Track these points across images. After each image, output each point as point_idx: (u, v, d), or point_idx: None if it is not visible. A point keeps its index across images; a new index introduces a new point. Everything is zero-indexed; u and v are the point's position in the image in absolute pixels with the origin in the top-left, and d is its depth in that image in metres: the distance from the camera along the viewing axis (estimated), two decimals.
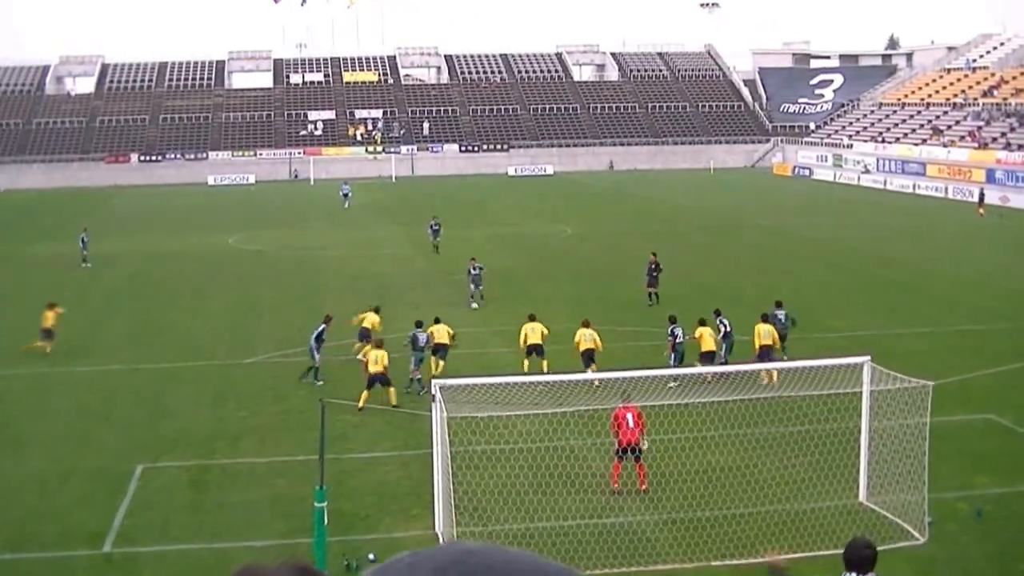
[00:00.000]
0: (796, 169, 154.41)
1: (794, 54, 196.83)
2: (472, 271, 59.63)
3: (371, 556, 27.00)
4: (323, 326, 44.03)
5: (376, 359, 38.91)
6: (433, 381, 29.33)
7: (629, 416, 30.77)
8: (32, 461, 36.18)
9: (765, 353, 40.88)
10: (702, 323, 42.13)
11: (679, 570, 26.00)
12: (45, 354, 49.65)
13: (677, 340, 42.73)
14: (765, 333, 41.60)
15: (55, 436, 38.87)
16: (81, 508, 31.74)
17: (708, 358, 41.15)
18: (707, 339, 41.38)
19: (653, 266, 58.85)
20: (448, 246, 77.15)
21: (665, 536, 27.92)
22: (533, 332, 43.67)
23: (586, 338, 42.81)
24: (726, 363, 42.44)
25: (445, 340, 42.88)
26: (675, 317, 43.98)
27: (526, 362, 43.16)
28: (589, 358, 42.18)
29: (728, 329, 43.59)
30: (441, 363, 41.81)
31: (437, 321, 44.01)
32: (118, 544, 29.10)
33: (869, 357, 29.50)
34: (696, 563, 26.32)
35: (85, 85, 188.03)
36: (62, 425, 40.17)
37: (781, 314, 43.99)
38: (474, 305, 58.38)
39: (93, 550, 28.77)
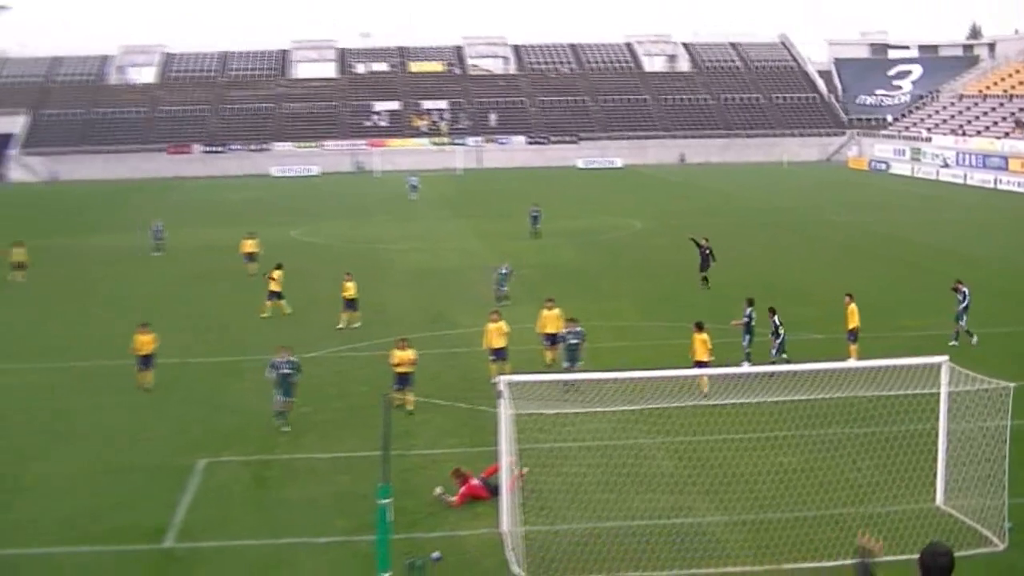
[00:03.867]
0: (872, 163, 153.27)
1: (871, 44, 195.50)
2: (502, 271, 60.38)
3: (436, 555, 27.02)
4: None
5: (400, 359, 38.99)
6: (501, 377, 29.29)
7: None
8: (92, 455, 36.51)
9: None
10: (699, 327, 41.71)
11: (749, 572, 25.88)
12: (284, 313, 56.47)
13: (751, 322, 44.01)
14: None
15: (114, 430, 39.26)
16: (143, 502, 31.95)
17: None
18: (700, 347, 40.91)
19: (707, 251, 59.80)
20: (516, 240, 77.12)
21: (735, 537, 27.79)
22: (551, 321, 44.19)
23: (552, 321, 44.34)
24: (747, 356, 43.43)
25: (502, 343, 42.74)
26: (752, 300, 45.01)
27: (548, 353, 43.80)
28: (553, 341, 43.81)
29: (778, 328, 44.02)
30: (503, 366, 41.28)
31: (493, 318, 43.77)
32: (180, 539, 29.29)
33: (947, 357, 29.21)
34: (766, 565, 26.17)
35: (147, 75, 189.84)
36: (121, 419, 40.58)
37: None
38: (499, 301, 58.37)
39: (154, 545, 28.95)
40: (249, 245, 72.99)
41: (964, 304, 47.83)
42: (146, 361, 43.25)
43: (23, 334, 56.10)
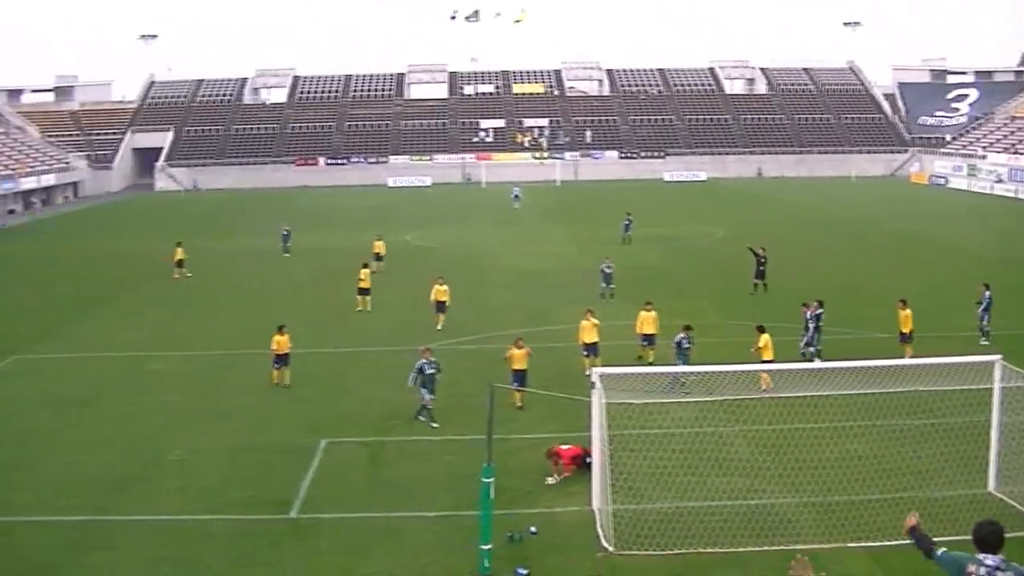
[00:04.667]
0: (932, 178, 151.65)
1: (932, 70, 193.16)
2: (605, 269, 60.30)
3: (533, 529, 27.10)
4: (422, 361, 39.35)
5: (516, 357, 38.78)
6: (594, 369, 29.20)
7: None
8: (229, 433, 37.10)
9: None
10: (761, 329, 41.19)
11: (817, 550, 25.65)
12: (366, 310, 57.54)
13: (820, 322, 43.97)
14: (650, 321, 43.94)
15: (248, 411, 39.79)
16: (272, 477, 32.39)
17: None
18: (767, 348, 40.44)
19: (763, 260, 59.68)
20: (608, 245, 76.99)
21: (805, 518, 27.59)
22: (649, 322, 43.79)
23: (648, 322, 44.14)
24: (816, 352, 43.27)
25: (594, 339, 42.60)
26: (822, 302, 45.04)
27: (647, 353, 43.34)
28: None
29: (808, 323, 44.02)
30: (595, 360, 41.04)
31: (587, 316, 43.55)
32: (303, 511, 29.62)
33: (1000, 356, 28.89)
34: (833, 544, 25.97)
35: (278, 95, 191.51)
36: (254, 401, 41.12)
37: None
38: (609, 298, 58.89)
39: (280, 515, 29.31)
40: (378, 246, 73.89)
41: (985, 305, 47.31)
42: (281, 360, 42.97)
43: (174, 326, 57.00)
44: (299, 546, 27.22)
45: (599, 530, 26.92)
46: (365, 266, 60.41)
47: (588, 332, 42.58)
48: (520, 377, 38.26)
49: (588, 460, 29.41)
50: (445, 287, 53.50)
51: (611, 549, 25.99)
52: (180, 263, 72.45)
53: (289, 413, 39.29)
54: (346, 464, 33.63)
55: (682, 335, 40.50)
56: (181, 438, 36.71)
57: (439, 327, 52.03)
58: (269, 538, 27.81)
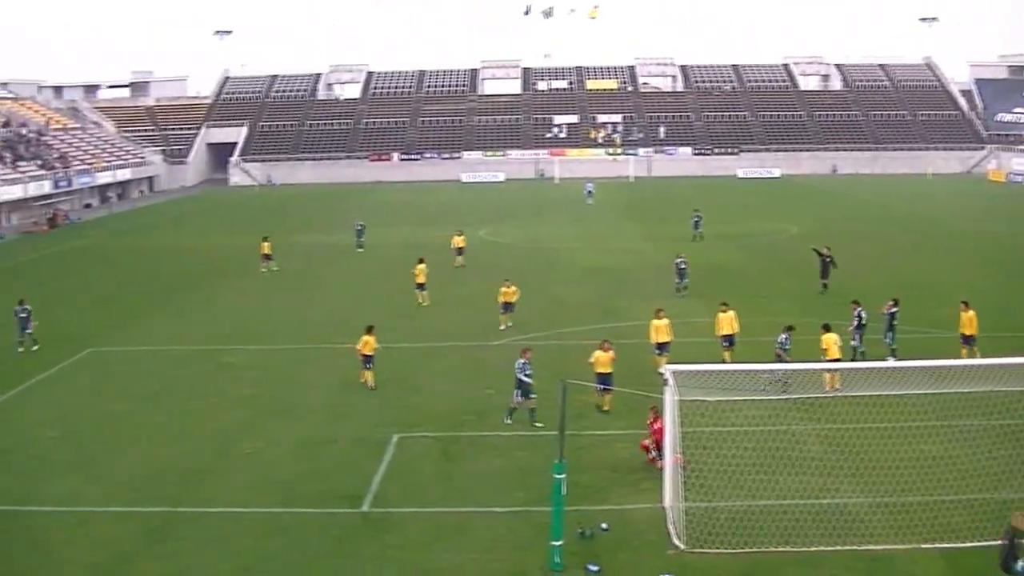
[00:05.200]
0: (1010, 176, 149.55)
1: (1010, 66, 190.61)
2: (680, 265, 60.34)
3: (604, 525, 27.13)
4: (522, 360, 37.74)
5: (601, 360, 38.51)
6: (666, 366, 29.19)
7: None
8: (302, 427, 37.37)
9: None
10: (826, 328, 40.84)
11: (890, 551, 25.54)
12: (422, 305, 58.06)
13: (862, 321, 43.52)
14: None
15: (321, 405, 40.08)
16: (344, 471, 32.63)
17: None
18: (831, 347, 40.13)
19: (828, 259, 59.56)
20: (681, 242, 76.83)
21: (877, 518, 27.42)
22: (727, 322, 43.50)
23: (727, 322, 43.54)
24: (891, 351, 42.97)
25: (666, 338, 42.50)
26: (897, 300, 44.56)
27: (725, 354, 43.00)
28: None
29: (863, 320, 43.67)
30: (663, 358, 40.83)
31: (659, 315, 43.36)
32: (375, 504, 29.84)
33: None
34: (907, 545, 25.83)
35: (352, 91, 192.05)
36: (327, 395, 41.43)
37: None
38: (681, 293, 59.05)
39: (352, 509, 29.54)
40: (458, 241, 74.33)
41: None
42: (368, 360, 42.59)
43: (249, 320, 57.54)
44: (370, 540, 27.42)
45: (670, 527, 26.92)
46: (421, 261, 60.64)
47: (660, 331, 42.44)
48: (605, 380, 37.56)
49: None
50: (513, 289, 53.14)
51: (682, 547, 25.98)
52: (267, 257, 73.49)
53: (362, 408, 39.54)
54: (418, 459, 33.78)
55: (784, 335, 40.20)
56: (255, 431, 37.11)
57: (503, 327, 51.96)
58: (340, 532, 28.04)
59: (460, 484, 31.25)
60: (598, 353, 37.96)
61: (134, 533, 28.37)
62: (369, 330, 42.57)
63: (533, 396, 36.53)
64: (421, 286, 59.62)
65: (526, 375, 36.63)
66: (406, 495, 30.43)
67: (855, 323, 43.37)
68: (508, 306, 52.77)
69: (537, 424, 35.98)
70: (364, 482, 31.43)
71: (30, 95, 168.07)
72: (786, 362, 38.91)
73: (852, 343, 43.08)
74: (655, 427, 31.15)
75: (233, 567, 26.13)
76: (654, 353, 41.99)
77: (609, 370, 37.58)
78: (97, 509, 30.07)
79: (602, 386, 37.38)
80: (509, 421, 36.61)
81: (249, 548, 27.11)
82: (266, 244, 73.97)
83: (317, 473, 32.59)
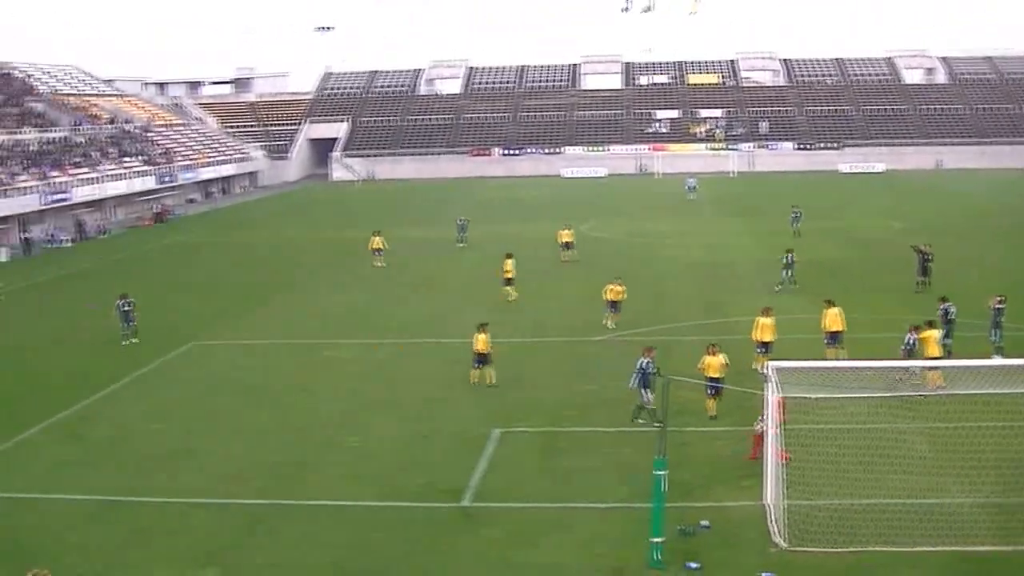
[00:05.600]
0: None
1: None
2: (787, 260, 60.07)
3: (704, 523, 27.01)
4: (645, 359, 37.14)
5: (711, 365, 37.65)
6: (768, 363, 29.01)
7: None
8: (403, 421, 37.59)
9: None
10: (930, 325, 40.21)
11: (996, 553, 25.21)
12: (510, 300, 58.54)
13: (949, 317, 43.43)
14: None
15: (423, 399, 40.29)
16: (444, 466, 32.75)
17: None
18: (932, 344, 39.53)
19: (928, 257, 58.96)
20: (783, 237, 76.36)
21: (983, 519, 26.97)
22: (833, 319, 42.91)
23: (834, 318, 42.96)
24: (998, 348, 42.55)
25: (769, 338, 41.93)
26: (1004, 298, 44.01)
27: (829, 352, 42.36)
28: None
29: (951, 317, 43.53)
30: (765, 358, 40.31)
31: (766, 313, 42.85)
32: (475, 499, 29.91)
33: None
34: (1014, 546, 25.47)
35: (453, 86, 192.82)
36: (429, 390, 41.62)
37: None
38: (777, 288, 58.91)
39: (453, 503, 29.63)
40: (566, 235, 74.42)
41: None
42: (482, 359, 41.87)
43: (351, 314, 58.08)
44: (470, 535, 27.49)
45: (771, 525, 26.74)
46: (509, 256, 60.62)
47: (764, 330, 42.02)
48: (715, 385, 36.71)
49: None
50: (622, 287, 52.58)
51: (783, 545, 25.81)
52: (378, 251, 73.85)
53: (464, 402, 39.67)
54: (519, 454, 33.85)
55: (911, 335, 39.71)
56: (356, 425, 37.37)
57: (610, 325, 51.50)
58: (440, 526, 28.13)
59: (561, 480, 31.25)
60: (707, 358, 37.08)
61: (234, 524, 28.73)
62: (482, 327, 42.09)
63: (652, 396, 36.02)
64: (509, 281, 59.68)
65: (651, 373, 36.11)
66: (506, 490, 30.51)
67: (941, 319, 43.06)
68: (614, 305, 52.10)
69: (639, 421, 35.76)
70: (464, 477, 31.53)
71: (135, 92, 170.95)
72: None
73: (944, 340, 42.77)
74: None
75: (332, 560, 26.32)
76: (756, 352, 41.63)
77: (720, 375, 36.71)
78: (198, 500, 30.47)
79: (712, 392, 36.52)
80: (641, 421, 35.86)
81: (348, 541, 27.31)
82: (377, 238, 74.24)
83: (417, 467, 32.74)
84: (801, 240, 78.30)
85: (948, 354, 41.55)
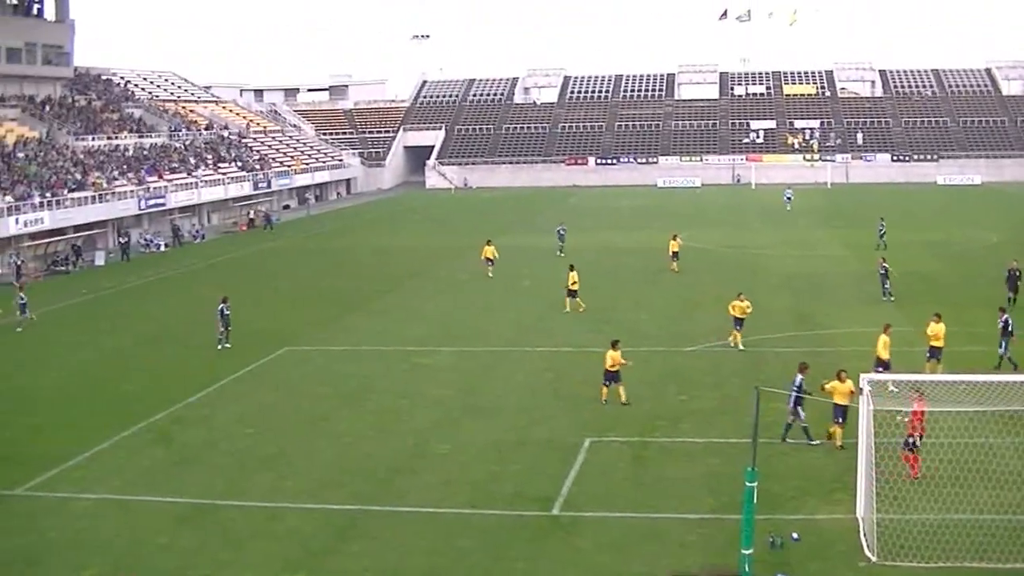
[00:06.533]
0: None
1: None
2: (881, 271, 59.88)
3: (795, 535, 26.94)
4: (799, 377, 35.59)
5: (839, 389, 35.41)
6: (862, 376, 28.87)
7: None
8: (494, 429, 37.79)
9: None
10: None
11: None
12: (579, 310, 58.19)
13: (1009, 328, 43.41)
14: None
15: (514, 408, 40.48)
16: (534, 474, 32.88)
17: None
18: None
19: (1016, 274, 58.30)
20: (874, 249, 75.78)
21: None
22: (939, 334, 42.25)
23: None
24: (1009, 358, 42.75)
25: (887, 355, 40.39)
26: (1004, 308, 44.99)
27: (928, 365, 41.81)
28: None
29: (1010, 328, 43.41)
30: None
31: (888, 332, 41.44)
32: (565, 508, 29.99)
33: None
34: None
35: (549, 95, 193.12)
36: (520, 398, 41.82)
37: None
38: (884, 298, 58.65)
39: (543, 512, 29.74)
40: (674, 245, 73.99)
41: None
42: (612, 376, 40.31)
43: (445, 321, 58.48)
44: (560, 543, 27.59)
45: (862, 539, 26.62)
46: (572, 268, 60.28)
47: (885, 348, 40.42)
48: (842, 412, 34.28)
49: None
50: (747, 303, 50.29)
51: (874, 559, 25.68)
52: (490, 260, 73.10)
53: (555, 411, 39.80)
54: (609, 463, 33.89)
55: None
56: (448, 432, 37.63)
57: (739, 345, 49.31)
58: (530, 534, 28.25)
59: (651, 489, 31.28)
60: (835, 383, 34.83)
61: (325, 529, 29.01)
62: (614, 344, 40.64)
63: (803, 415, 35.04)
64: (573, 293, 59.10)
65: (803, 393, 34.84)
66: (597, 499, 30.57)
67: (1000, 330, 43.16)
68: (740, 321, 49.86)
69: (789, 440, 34.68)
70: (555, 485, 31.65)
71: (232, 98, 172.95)
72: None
73: (999, 351, 43.01)
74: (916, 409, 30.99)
75: (422, 566, 26.51)
76: (876, 370, 39.02)
77: (847, 402, 34.18)
78: (290, 505, 30.81)
79: (840, 420, 34.50)
80: (815, 442, 34.55)
81: (439, 548, 27.49)
82: (490, 248, 73.54)
83: (508, 475, 32.93)
84: (895, 252, 77.55)
85: (1010, 363, 41.44)
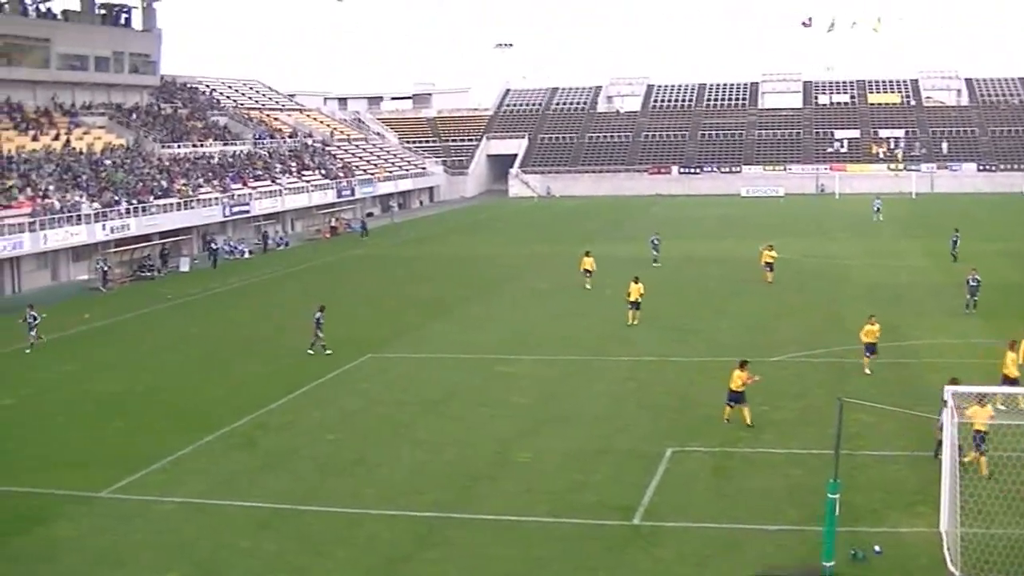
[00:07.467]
0: None
1: None
2: (970, 281, 58.93)
3: (877, 548, 26.71)
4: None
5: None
6: (946, 388, 28.61)
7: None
8: (575, 438, 37.76)
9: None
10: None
11: None
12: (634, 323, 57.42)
13: None
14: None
15: (596, 417, 40.44)
16: (615, 483, 32.84)
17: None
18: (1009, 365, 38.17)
19: None
20: (963, 258, 74.99)
21: None
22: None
23: None
24: None
25: (1015, 373, 38.77)
26: None
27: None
28: None
29: None
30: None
31: (1013, 346, 39.90)
32: (646, 518, 29.90)
33: None
34: None
35: (632, 104, 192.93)
36: (602, 407, 41.77)
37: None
38: (967, 311, 57.79)
39: (623, 521, 29.67)
40: (768, 256, 72.69)
41: None
42: (737, 397, 38.59)
43: (527, 329, 58.71)
44: (640, 553, 27.52)
45: (946, 553, 26.35)
46: (636, 280, 59.17)
47: (1013, 365, 39.10)
48: (981, 439, 31.91)
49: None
50: (877, 327, 46.82)
51: (957, 573, 25.43)
52: (588, 272, 71.65)
53: (637, 420, 39.76)
54: (691, 473, 33.80)
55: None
56: (529, 440, 37.65)
57: (867, 371, 46.65)
58: (611, 543, 28.18)
59: (732, 500, 31.13)
60: (975, 408, 32.21)
61: (405, 536, 29.12)
62: (742, 365, 39.23)
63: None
64: (636, 304, 58.21)
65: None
66: (678, 509, 30.46)
67: None
68: (871, 347, 46.72)
69: (939, 457, 31.27)
70: (636, 494, 31.56)
71: (316, 106, 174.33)
72: None
73: None
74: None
75: (501, 574, 26.62)
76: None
77: (986, 429, 32.16)
78: (371, 511, 30.94)
79: (981, 446, 32.18)
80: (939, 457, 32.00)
81: (518, 556, 27.52)
82: (588, 259, 72.09)
83: (589, 484, 32.89)
84: (959, 264, 76.06)
85: None
